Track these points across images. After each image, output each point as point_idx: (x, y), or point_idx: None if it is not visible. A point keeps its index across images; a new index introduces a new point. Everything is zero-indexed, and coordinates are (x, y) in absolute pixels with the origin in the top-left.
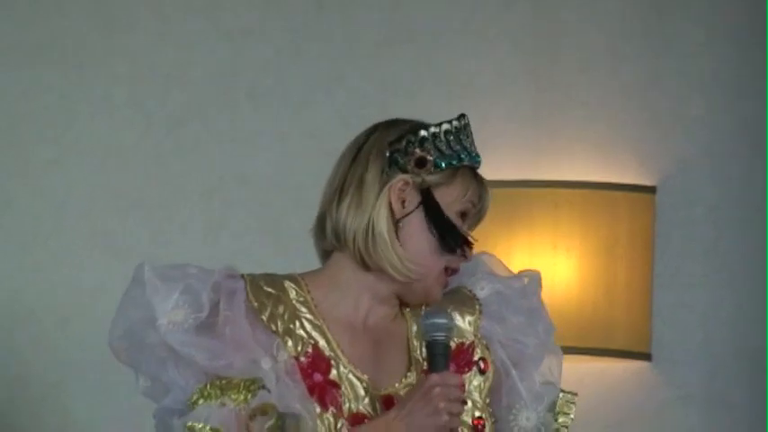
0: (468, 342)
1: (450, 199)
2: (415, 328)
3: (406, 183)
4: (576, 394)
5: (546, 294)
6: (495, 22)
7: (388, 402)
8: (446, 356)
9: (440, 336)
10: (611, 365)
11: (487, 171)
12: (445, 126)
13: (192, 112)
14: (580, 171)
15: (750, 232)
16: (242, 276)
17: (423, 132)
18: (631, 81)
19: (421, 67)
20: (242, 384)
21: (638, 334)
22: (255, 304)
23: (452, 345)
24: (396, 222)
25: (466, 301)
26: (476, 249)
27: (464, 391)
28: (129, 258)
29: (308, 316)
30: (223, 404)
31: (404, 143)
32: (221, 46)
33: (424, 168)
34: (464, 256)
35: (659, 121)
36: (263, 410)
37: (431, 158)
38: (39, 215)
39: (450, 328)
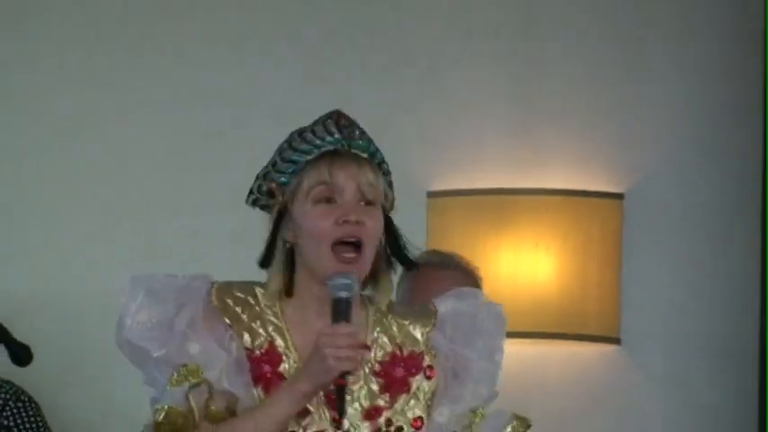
0: (418, 351)
1: (304, 198)
2: (375, 334)
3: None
4: (530, 425)
5: (528, 287)
6: (487, 50)
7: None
8: (344, 312)
9: (342, 294)
10: (585, 348)
11: (479, 180)
12: (280, 148)
13: (221, 130)
14: (559, 180)
15: (707, 235)
16: (212, 283)
17: (263, 170)
18: (606, 103)
19: (421, 89)
20: (199, 369)
21: (608, 322)
22: (217, 304)
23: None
24: (292, 246)
25: (426, 314)
26: (467, 254)
27: (356, 337)
28: (166, 260)
29: (272, 319)
30: (181, 387)
31: (255, 185)
32: (247, 71)
33: (277, 196)
34: (345, 221)
35: (628, 138)
36: (193, 374)
37: (274, 185)
38: (86, 222)
39: (350, 287)
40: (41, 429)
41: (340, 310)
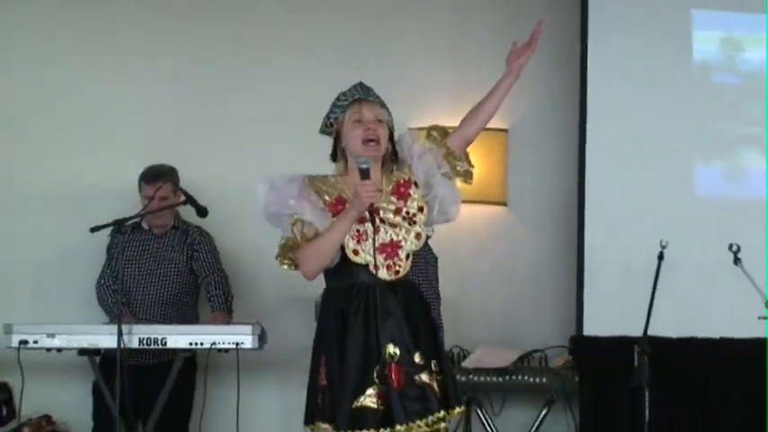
0: (408, 178)
1: (347, 123)
2: (389, 181)
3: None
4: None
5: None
6: (432, 14)
7: (376, 210)
8: (366, 174)
9: (363, 165)
10: (487, 209)
11: (426, 120)
12: (333, 101)
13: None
14: None
15: (551, 147)
16: (305, 176)
17: (326, 114)
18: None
19: (387, 52)
20: (299, 218)
21: (500, 192)
22: (308, 183)
23: (371, 169)
24: (344, 149)
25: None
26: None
27: (380, 188)
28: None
29: (340, 186)
30: (293, 228)
31: (324, 122)
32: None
33: (335, 125)
34: (368, 129)
35: (513, 94)
36: (295, 221)
37: (331, 120)
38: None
39: (368, 161)
40: (213, 252)
41: (363, 174)
